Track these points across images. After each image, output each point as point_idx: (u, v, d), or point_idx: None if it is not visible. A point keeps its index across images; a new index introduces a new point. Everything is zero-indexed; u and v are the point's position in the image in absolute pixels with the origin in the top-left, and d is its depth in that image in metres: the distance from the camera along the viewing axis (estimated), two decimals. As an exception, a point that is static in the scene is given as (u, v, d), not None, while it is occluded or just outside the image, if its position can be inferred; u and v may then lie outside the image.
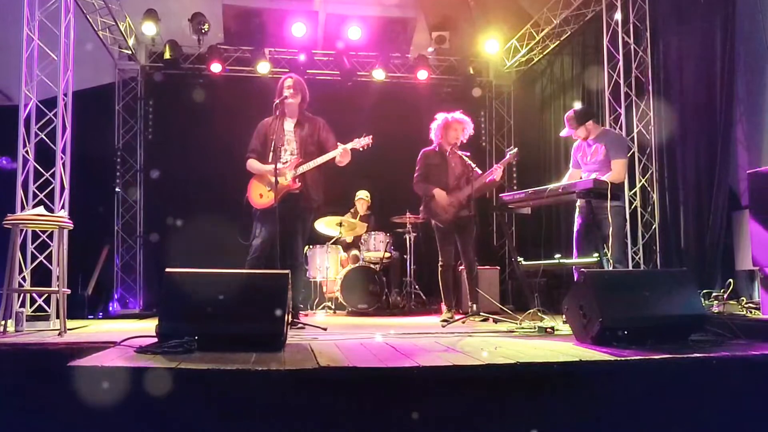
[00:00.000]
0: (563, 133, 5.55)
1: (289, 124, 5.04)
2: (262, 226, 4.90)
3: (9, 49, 5.27)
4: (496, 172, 5.39)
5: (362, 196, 8.10)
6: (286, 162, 4.91)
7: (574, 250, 5.36)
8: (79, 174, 5.46)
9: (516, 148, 5.55)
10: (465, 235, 5.47)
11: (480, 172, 5.45)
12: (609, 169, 5.22)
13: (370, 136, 5.07)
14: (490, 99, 9.86)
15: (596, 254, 4.89)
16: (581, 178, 5.39)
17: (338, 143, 4.98)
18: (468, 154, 5.49)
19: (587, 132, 5.32)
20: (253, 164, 5.03)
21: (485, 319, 5.28)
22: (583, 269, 3.92)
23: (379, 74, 8.84)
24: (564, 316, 4.01)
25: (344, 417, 2.53)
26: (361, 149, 5.05)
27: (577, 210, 5.42)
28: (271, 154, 4.80)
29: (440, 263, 5.57)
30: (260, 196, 4.96)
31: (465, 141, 5.56)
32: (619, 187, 4.98)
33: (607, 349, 3.09)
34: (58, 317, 4.53)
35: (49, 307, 4.90)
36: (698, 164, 6.01)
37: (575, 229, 5.40)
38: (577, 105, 7.68)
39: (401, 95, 9.13)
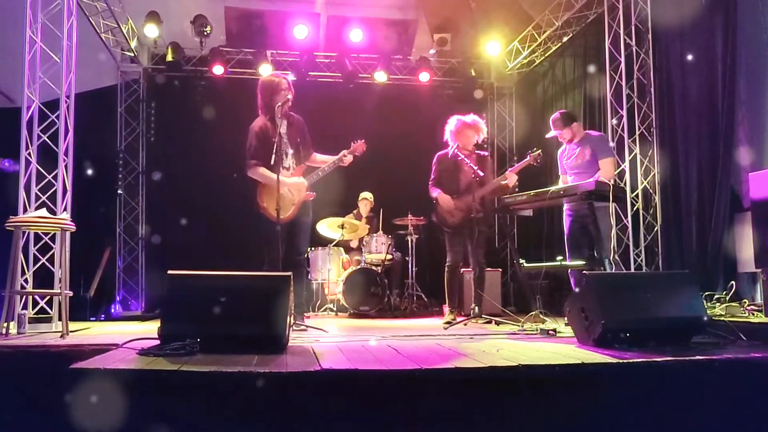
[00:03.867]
0: (549, 134, 5.62)
1: (282, 127, 4.90)
2: (279, 234, 4.76)
3: (11, 52, 5.29)
4: (510, 178, 5.42)
5: (366, 197, 8.10)
6: (289, 167, 4.89)
7: (567, 255, 5.37)
8: (82, 176, 5.48)
9: (539, 150, 5.52)
10: (473, 237, 5.44)
11: (482, 174, 5.45)
12: (594, 171, 5.25)
13: (363, 141, 5.13)
14: (491, 101, 9.86)
15: (596, 256, 4.90)
16: (567, 181, 5.43)
17: (342, 151, 5.03)
18: (486, 153, 5.53)
19: (572, 134, 5.46)
20: (265, 173, 4.78)
21: (487, 321, 5.28)
22: (585, 272, 3.93)
23: (380, 76, 8.85)
24: (566, 318, 4.01)
25: (346, 419, 2.53)
26: (358, 154, 5.10)
27: (565, 213, 5.45)
28: (284, 158, 4.76)
29: (447, 263, 5.58)
30: (281, 208, 4.78)
31: (480, 142, 5.61)
32: (619, 188, 5.00)
33: (608, 351, 3.09)
34: (60, 319, 4.53)
35: (51, 309, 4.91)
36: (700, 166, 6.01)
37: (566, 233, 5.42)
38: (582, 104, 7.75)
39: (403, 97, 9.13)
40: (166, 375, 2.52)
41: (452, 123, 5.59)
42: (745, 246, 5.36)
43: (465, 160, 5.38)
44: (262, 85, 5.01)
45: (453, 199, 5.47)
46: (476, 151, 5.54)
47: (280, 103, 4.82)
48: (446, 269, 5.59)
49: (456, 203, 5.45)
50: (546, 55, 8.73)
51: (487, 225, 5.53)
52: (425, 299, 7.70)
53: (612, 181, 5.08)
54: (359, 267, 7.20)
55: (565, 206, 5.39)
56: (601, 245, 4.95)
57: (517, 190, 5.48)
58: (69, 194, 5.17)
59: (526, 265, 5.42)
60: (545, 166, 8.45)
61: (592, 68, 7.64)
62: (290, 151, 4.94)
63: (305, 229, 5.06)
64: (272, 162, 4.62)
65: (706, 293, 4.87)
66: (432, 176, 5.66)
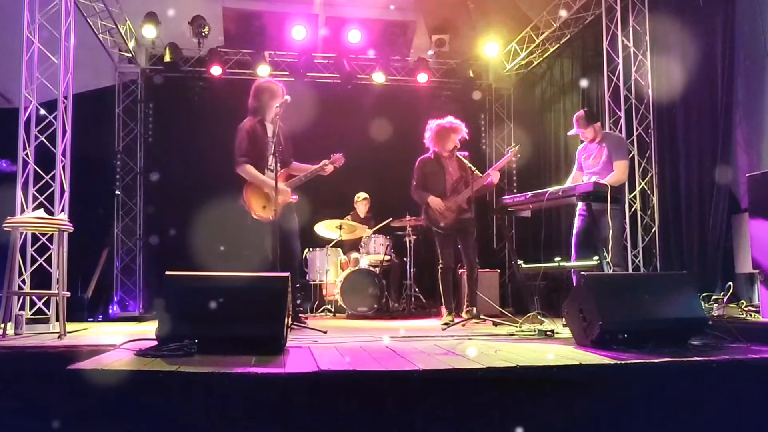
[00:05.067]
0: (571, 132, 5.62)
1: (270, 130, 5.10)
2: (266, 235, 4.96)
3: (9, 52, 5.27)
4: (493, 175, 5.45)
5: (363, 197, 8.08)
6: (273, 170, 4.97)
7: (573, 253, 5.37)
8: (79, 176, 5.46)
9: (517, 145, 5.58)
10: (466, 237, 5.50)
11: (479, 173, 5.47)
12: (611, 171, 5.24)
13: (341, 154, 5.29)
14: (489, 102, 9.87)
15: (596, 257, 4.90)
16: (584, 180, 5.42)
17: (324, 161, 5.23)
18: (466, 154, 5.51)
19: (595, 133, 5.42)
20: (252, 171, 4.99)
21: (483, 322, 5.29)
22: (583, 272, 3.93)
23: (379, 77, 8.85)
24: (564, 319, 4.01)
25: (344, 420, 2.53)
26: (337, 166, 5.28)
27: (577, 212, 5.44)
28: (270, 159, 4.88)
29: (440, 265, 5.59)
30: (263, 207, 5.00)
31: (459, 143, 5.56)
32: (618, 189, 5.00)
33: (606, 353, 3.09)
34: (57, 320, 4.53)
35: (49, 310, 4.90)
36: (698, 167, 6.01)
37: (574, 231, 5.42)
38: (581, 106, 7.73)
39: (401, 98, 9.13)
40: (163, 376, 2.51)
41: (432, 126, 5.57)
42: (743, 247, 5.37)
43: (458, 156, 5.40)
44: (260, 88, 5.13)
45: (443, 201, 5.47)
46: (456, 154, 5.49)
47: (278, 104, 4.95)
48: (439, 271, 5.60)
49: (446, 204, 5.46)
50: (544, 56, 8.74)
51: (475, 225, 5.56)
52: (423, 300, 7.70)
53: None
54: (357, 268, 7.20)
55: (579, 206, 5.36)
56: (600, 246, 4.95)
57: (515, 190, 5.50)
58: (67, 195, 5.16)
59: (524, 266, 5.42)
60: (545, 166, 8.51)
61: (590, 70, 7.65)
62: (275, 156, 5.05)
63: (293, 230, 5.21)
64: (269, 162, 4.78)
65: (704, 294, 4.87)
66: (414, 180, 5.65)
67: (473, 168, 5.42)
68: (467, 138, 5.60)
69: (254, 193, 5.04)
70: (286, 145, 5.23)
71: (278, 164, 4.79)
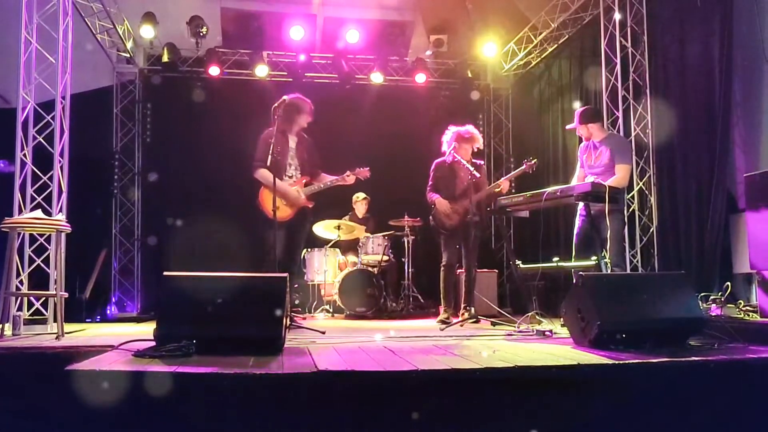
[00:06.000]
0: (569, 126, 5.68)
1: (292, 142, 5.60)
2: (272, 234, 5.18)
3: (7, 52, 5.27)
4: (504, 185, 5.59)
5: (361, 198, 8.07)
6: (292, 176, 5.50)
7: (574, 252, 5.38)
8: (77, 177, 5.46)
9: (534, 159, 5.61)
10: (468, 239, 5.62)
11: (486, 180, 5.58)
12: (613, 173, 5.24)
13: (367, 168, 5.75)
14: (488, 102, 9.86)
15: (594, 257, 4.90)
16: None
17: (347, 171, 5.68)
18: (482, 162, 5.66)
19: (588, 133, 5.44)
20: (266, 174, 5.23)
21: (477, 321, 5.31)
22: (581, 272, 3.93)
23: (377, 77, 8.84)
24: (562, 319, 4.02)
25: (343, 421, 2.53)
26: (361, 178, 5.74)
27: (578, 213, 5.45)
28: (287, 167, 5.47)
29: (443, 263, 5.70)
30: (277, 209, 5.17)
31: (475, 150, 5.79)
32: (617, 190, 5.00)
33: (605, 353, 3.10)
34: (55, 321, 4.52)
35: (47, 311, 4.89)
36: (696, 167, 6.01)
37: (575, 232, 5.42)
38: (579, 106, 7.73)
39: (399, 98, 9.12)
40: (161, 377, 2.51)
41: (449, 135, 5.73)
42: (740, 247, 5.38)
43: (462, 161, 5.48)
44: (292, 104, 5.44)
45: (450, 203, 5.64)
46: (472, 160, 5.65)
47: (276, 104, 5.09)
48: (442, 268, 5.71)
49: (453, 207, 5.63)
50: (542, 56, 8.74)
51: (481, 229, 5.67)
52: (421, 300, 7.70)
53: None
54: (355, 268, 7.19)
55: (580, 206, 5.37)
56: (599, 247, 4.96)
57: (513, 192, 5.55)
58: (64, 195, 5.15)
59: (522, 266, 5.44)
60: (543, 166, 8.48)
61: (588, 70, 7.65)
62: (295, 164, 5.58)
63: (301, 235, 5.63)
64: (268, 163, 4.94)
65: (702, 294, 4.88)
66: (430, 182, 5.84)
67: (472, 170, 5.42)
68: (481, 148, 5.82)
69: (269, 194, 5.21)
70: (311, 156, 5.66)
71: (276, 162, 5.01)
